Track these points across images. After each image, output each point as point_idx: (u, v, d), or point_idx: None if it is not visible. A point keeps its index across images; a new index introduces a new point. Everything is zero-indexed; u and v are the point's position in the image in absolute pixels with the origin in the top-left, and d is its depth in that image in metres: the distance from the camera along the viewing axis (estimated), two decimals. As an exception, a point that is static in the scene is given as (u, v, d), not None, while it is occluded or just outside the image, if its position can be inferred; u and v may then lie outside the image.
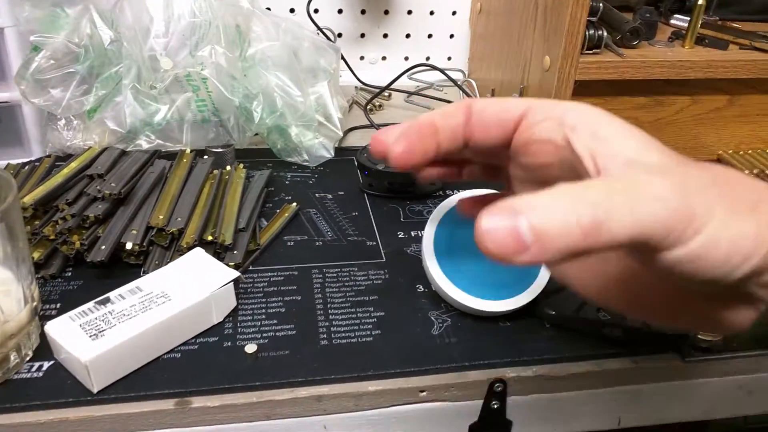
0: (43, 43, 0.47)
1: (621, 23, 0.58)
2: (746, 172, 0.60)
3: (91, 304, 0.35)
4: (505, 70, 0.67)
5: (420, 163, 0.25)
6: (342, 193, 0.54)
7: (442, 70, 0.67)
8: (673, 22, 0.67)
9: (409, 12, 0.80)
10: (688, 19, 0.60)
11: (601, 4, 0.56)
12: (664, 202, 0.19)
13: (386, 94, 0.75)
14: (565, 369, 0.37)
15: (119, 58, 0.50)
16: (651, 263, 0.20)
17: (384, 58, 0.82)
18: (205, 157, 0.53)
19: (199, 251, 0.40)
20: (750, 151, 0.64)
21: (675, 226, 0.19)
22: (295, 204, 0.51)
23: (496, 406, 0.37)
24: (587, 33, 0.55)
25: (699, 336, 0.38)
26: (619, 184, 0.19)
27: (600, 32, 0.55)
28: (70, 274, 0.42)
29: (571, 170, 0.23)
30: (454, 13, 0.81)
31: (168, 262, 0.41)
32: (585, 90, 0.58)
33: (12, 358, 0.33)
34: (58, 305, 0.39)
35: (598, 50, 0.56)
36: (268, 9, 0.75)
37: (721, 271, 0.20)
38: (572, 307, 0.38)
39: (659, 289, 0.23)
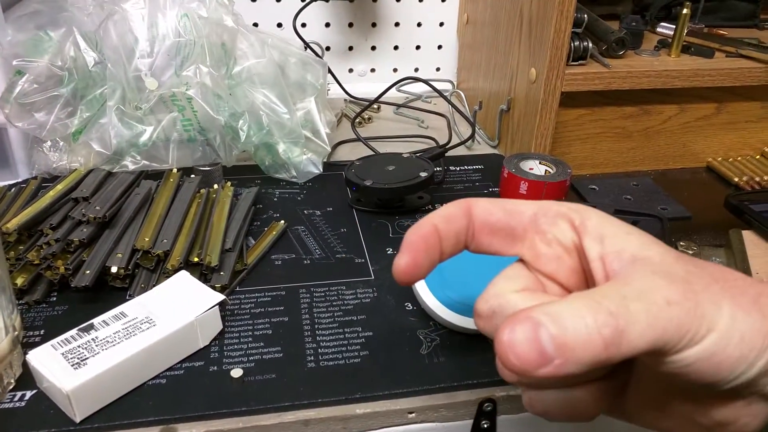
0: (26, 68, 0.47)
1: (606, 33, 0.58)
2: (735, 179, 0.60)
3: (74, 331, 0.35)
4: (493, 81, 0.67)
5: (425, 275, 0.25)
6: (330, 209, 0.54)
7: (428, 83, 0.67)
8: (659, 30, 0.67)
9: (397, 24, 0.80)
10: (674, 27, 0.61)
11: (585, 15, 0.56)
12: (677, 306, 0.19)
13: (375, 106, 0.75)
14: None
15: (104, 80, 0.50)
16: (663, 366, 0.20)
17: (373, 70, 0.83)
18: (192, 176, 0.53)
19: (184, 274, 0.40)
20: (739, 158, 0.64)
21: (689, 327, 0.19)
22: (283, 222, 0.50)
23: (486, 426, 0.36)
24: (572, 44, 0.55)
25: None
26: (631, 291, 0.20)
27: (585, 43, 0.56)
28: (54, 299, 0.41)
29: (577, 272, 0.24)
30: (441, 24, 0.81)
31: (154, 285, 0.40)
32: (572, 101, 0.58)
33: (-7, 388, 0.33)
34: (42, 332, 0.38)
35: (584, 61, 0.57)
36: (255, 25, 0.75)
37: (739, 368, 0.20)
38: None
39: (659, 391, 0.23)
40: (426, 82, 0.68)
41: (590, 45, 0.56)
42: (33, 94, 0.48)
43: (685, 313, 0.19)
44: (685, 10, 0.58)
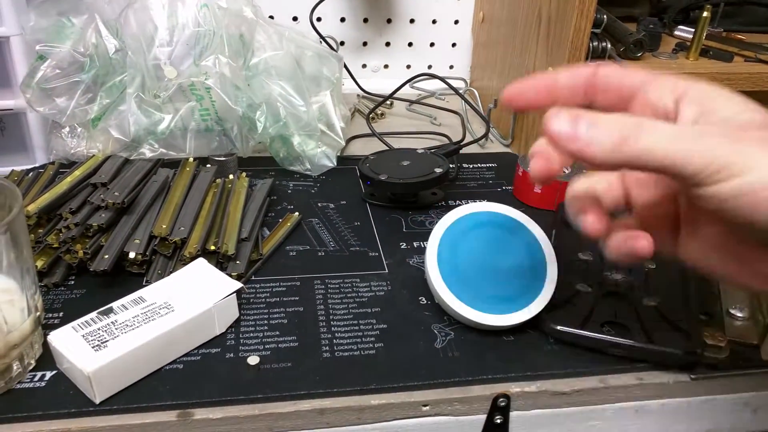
0: (48, 53, 0.48)
1: (624, 35, 0.58)
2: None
3: (94, 314, 0.35)
4: (508, 80, 0.67)
5: (526, 104, 0.29)
6: (344, 202, 0.54)
7: (443, 80, 0.67)
8: (677, 33, 0.67)
9: (412, 21, 0.80)
10: (693, 30, 0.60)
11: (605, 16, 0.56)
12: (712, 138, 0.22)
13: (388, 102, 0.75)
14: (569, 384, 0.37)
15: (123, 68, 0.50)
16: (702, 200, 0.23)
17: (386, 66, 0.83)
18: (208, 165, 0.53)
19: (201, 261, 0.40)
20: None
21: (723, 160, 0.22)
22: (297, 213, 0.51)
23: (499, 421, 0.37)
24: (591, 45, 0.55)
25: (705, 353, 0.37)
26: (678, 127, 0.24)
27: (604, 44, 0.56)
28: (73, 282, 0.42)
29: None
30: (456, 22, 0.81)
31: (171, 272, 0.41)
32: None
33: (15, 367, 0.33)
34: (61, 314, 0.39)
35: (601, 62, 0.56)
36: (272, 17, 0.75)
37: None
38: (577, 323, 0.38)
39: (717, 234, 0.27)
40: (441, 78, 0.68)
41: (609, 46, 0.56)
42: (54, 79, 0.48)
43: (720, 145, 0.22)
44: (705, 13, 0.58)
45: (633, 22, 0.66)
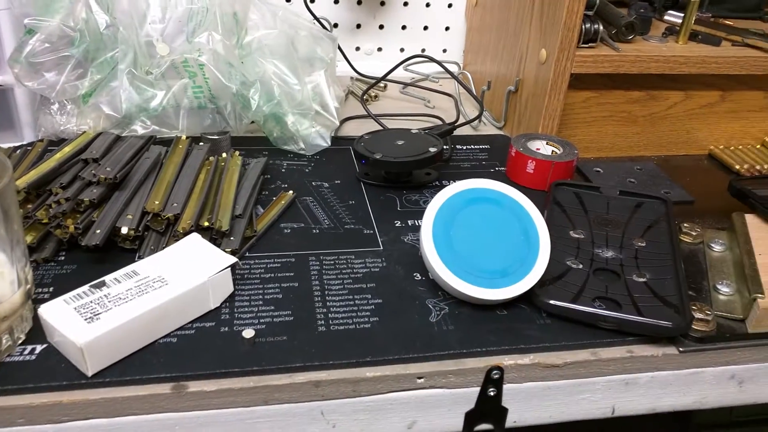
0: (37, 26, 0.47)
1: (617, 17, 0.59)
2: (736, 167, 0.61)
3: (86, 287, 0.35)
4: (501, 63, 0.67)
5: None
6: (338, 181, 0.54)
7: (439, 62, 0.67)
8: (666, 18, 0.67)
9: (405, 4, 0.80)
10: (682, 15, 0.61)
11: (598, -2, 0.57)
12: None
13: (381, 84, 0.75)
14: (561, 357, 0.37)
15: (115, 43, 0.49)
16: None
17: (379, 49, 0.82)
18: (201, 143, 0.52)
19: (195, 237, 0.40)
20: (741, 147, 0.65)
21: None
22: (291, 192, 0.50)
23: (492, 393, 0.37)
24: (583, 27, 0.55)
25: (694, 326, 0.38)
26: None
27: (596, 26, 0.56)
28: (63, 258, 0.41)
29: None
30: (450, 5, 0.81)
31: (163, 248, 0.40)
32: (580, 84, 0.58)
33: (4, 340, 0.33)
34: (51, 289, 0.38)
35: (593, 44, 0.57)
36: (264, -3, 0.74)
37: None
38: (569, 297, 0.39)
39: None
40: (436, 61, 0.68)
41: (601, 28, 0.56)
42: (43, 54, 0.47)
43: None
44: (695, -3, 0.58)
45: (623, 7, 0.66)
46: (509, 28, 0.65)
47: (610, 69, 0.56)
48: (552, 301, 0.38)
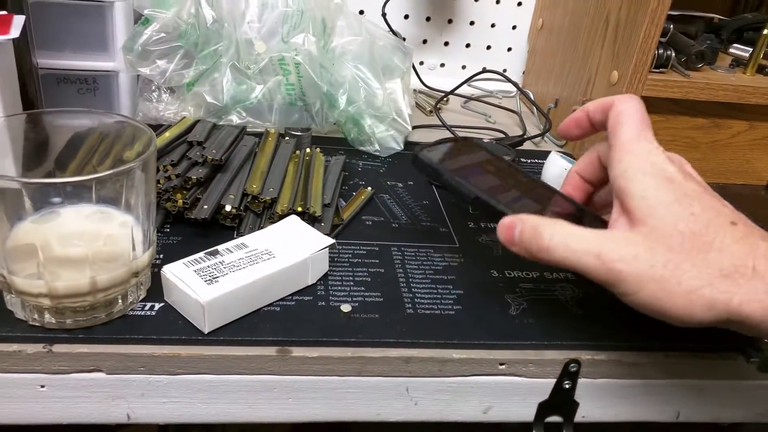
0: (154, 17, 0.51)
1: (687, 46, 0.61)
2: (796, 198, 0.62)
3: (201, 254, 0.38)
4: (566, 84, 0.70)
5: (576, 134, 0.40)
6: (411, 183, 0.57)
7: (509, 79, 0.70)
8: (731, 50, 0.70)
9: (472, 23, 0.83)
10: (747, 49, 0.63)
11: (671, 26, 0.59)
12: (597, 260, 0.31)
13: (444, 98, 0.78)
14: (635, 357, 0.39)
15: (218, 38, 0.53)
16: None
17: (442, 65, 0.86)
18: (286, 138, 0.56)
19: (295, 218, 0.43)
20: (799, 180, 0.66)
21: (607, 280, 0.32)
22: (370, 188, 0.53)
23: (567, 386, 0.39)
24: (657, 52, 0.58)
25: (766, 340, 0.39)
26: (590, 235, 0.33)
27: (669, 52, 0.58)
28: (168, 230, 0.45)
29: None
30: (514, 27, 0.84)
31: (260, 228, 0.43)
32: (649, 107, 0.59)
33: (130, 294, 0.36)
34: (161, 256, 0.42)
35: (664, 69, 0.59)
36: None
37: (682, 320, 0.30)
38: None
39: None
40: (507, 78, 0.71)
41: (673, 54, 0.58)
42: (157, 43, 0.51)
43: (595, 269, 0.32)
44: (766, 30, 0.60)
45: (689, 39, 0.69)
46: (577, 51, 0.68)
47: (679, 94, 0.58)
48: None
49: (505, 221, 0.35)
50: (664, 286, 0.29)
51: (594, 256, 0.31)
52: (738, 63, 0.65)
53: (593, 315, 0.41)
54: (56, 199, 0.33)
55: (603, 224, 0.37)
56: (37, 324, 0.34)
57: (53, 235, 0.33)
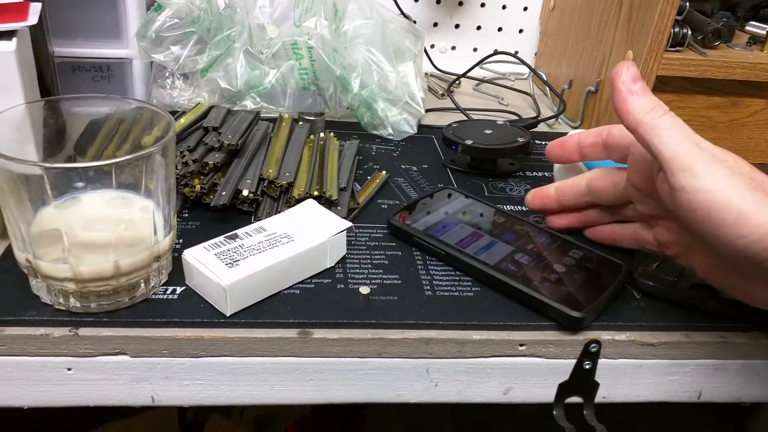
0: (167, 3, 0.51)
1: (703, 24, 0.60)
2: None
3: (221, 238, 0.38)
4: (579, 65, 0.69)
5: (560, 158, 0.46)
6: (426, 166, 0.57)
7: (523, 61, 0.70)
8: (748, 28, 0.69)
9: (482, 5, 0.82)
10: (764, 26, 0.62)
11: (687, 4, 0.58)
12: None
13: (456, 81, 0.78)
14: (656, 337, 0.39)
15: (231, 23, 0.53)
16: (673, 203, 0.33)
17: (453, 48, 0.85)
18: (300, 123, 0.56)
19: (311, 202, 0.43)
20: (818, 159, 0.65)
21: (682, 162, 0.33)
22: (384, 172, 0.53)
23: (588, 367, 0.39)
24: (672, 30, 0.57)
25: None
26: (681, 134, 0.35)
27: (685, 30, 0.57)
28: (186, 215, 0.45)
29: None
30: (525, 8, 0.83)
31: (278, 212, 0.44)
32: (664, 86, 0.60)
33: (153, 278, 0.36)
34: (181, 240, 0.42)
35: (680, 48, 0.58)
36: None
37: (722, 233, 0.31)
38: (668, 281, 0.40)
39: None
40: (521, 60, 0.70)
41: (689, 32, 0.58)
42: (170, 29, 0.51)
43: (690, 153, 0.33)
44: (784, 7, 0.59)
45: (705, 17, 0.67)
46: (591, 31, 0.67)
47: (696, 73, 0.58)
48: (651, 283, 0.40)
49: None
50: None
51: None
52: (755, 40, 0.64)
53: (614, 296, 0.41)
54: (78, 185, 0.33)
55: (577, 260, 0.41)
56: (62, 308, 0.34)
57: (76, 220, 0.33)
